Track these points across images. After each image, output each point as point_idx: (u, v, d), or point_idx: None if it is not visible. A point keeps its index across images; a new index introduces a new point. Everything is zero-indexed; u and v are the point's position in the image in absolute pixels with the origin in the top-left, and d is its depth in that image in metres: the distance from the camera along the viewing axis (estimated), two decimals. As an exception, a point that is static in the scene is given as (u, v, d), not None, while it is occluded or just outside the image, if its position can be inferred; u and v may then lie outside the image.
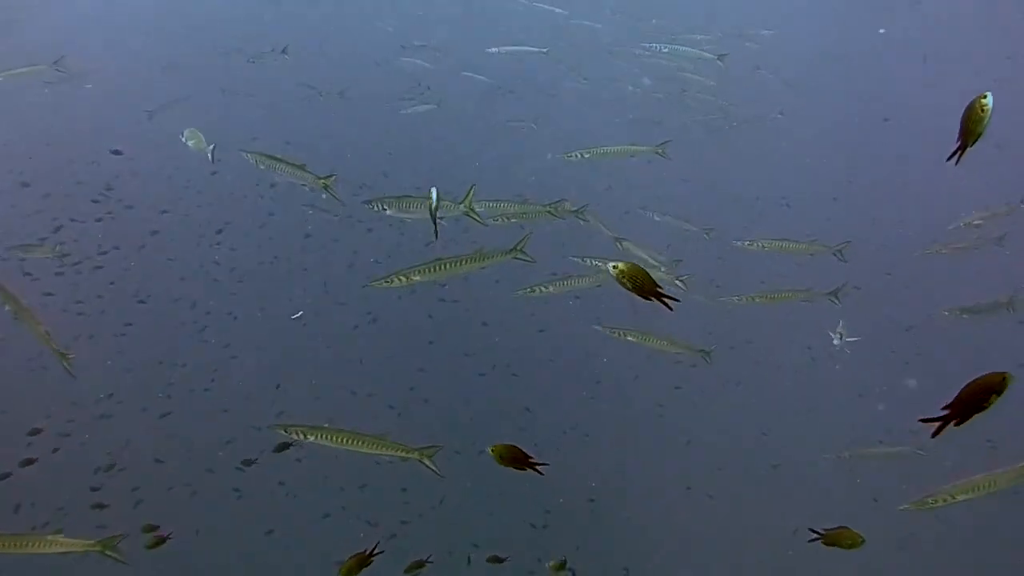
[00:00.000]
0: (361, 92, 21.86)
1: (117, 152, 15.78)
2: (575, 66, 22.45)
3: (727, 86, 20.54)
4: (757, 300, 10.28)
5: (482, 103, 22.63)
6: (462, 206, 7.92)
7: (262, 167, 8.56)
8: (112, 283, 15.58)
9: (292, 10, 28.38)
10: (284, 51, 18.91)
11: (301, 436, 6.92)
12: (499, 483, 14.31)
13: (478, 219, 8.11)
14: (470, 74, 22.88)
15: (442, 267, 7.27)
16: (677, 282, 11.01)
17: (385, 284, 7.19)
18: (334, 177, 8.57)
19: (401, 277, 7.18)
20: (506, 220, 9.39)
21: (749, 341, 17.75)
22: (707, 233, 14.71)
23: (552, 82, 23.39)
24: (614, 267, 4.77)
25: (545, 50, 19.61)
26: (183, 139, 10.89)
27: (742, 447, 16.72)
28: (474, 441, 13.78)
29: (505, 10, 27.04)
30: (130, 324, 15.20)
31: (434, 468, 6.99)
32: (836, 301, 10.49)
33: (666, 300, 4.85)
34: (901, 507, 6.05)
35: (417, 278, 7.19)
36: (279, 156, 8.59)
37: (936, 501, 5.80)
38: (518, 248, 7.63)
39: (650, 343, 10.00)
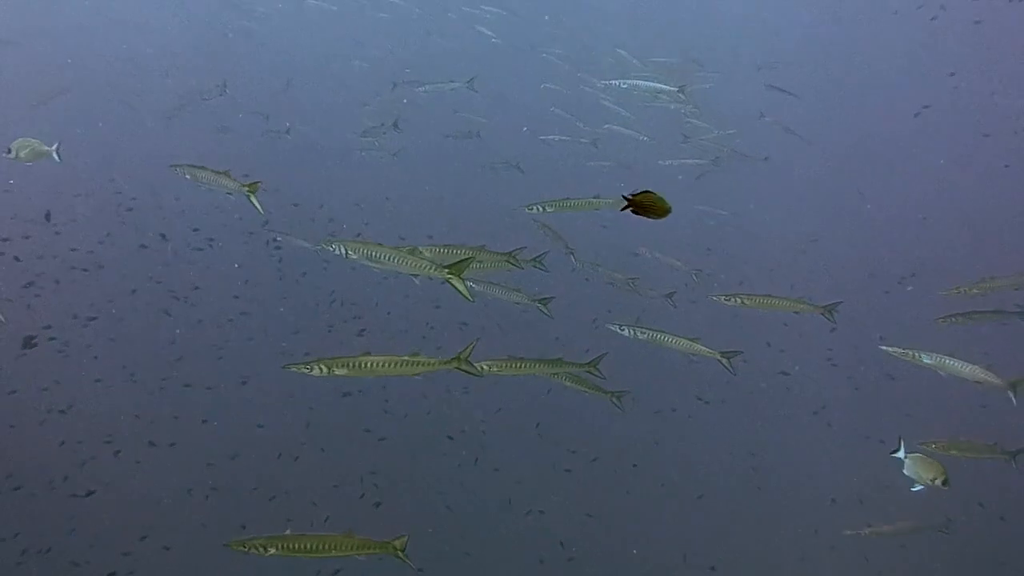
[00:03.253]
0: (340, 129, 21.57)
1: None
2: (570, 109, 21.98)
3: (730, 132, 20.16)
4: (746, 302, 9.74)
5: (467, 144, 22.27)
6: (446, 272, 7.03)
7: (187, 177, 8.56)
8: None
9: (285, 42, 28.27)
10: (224, 86, 18.47)
11: (261, 550, 6.37)
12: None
13: (464, 293, 7.14)
14: (464, 114, 22.67)
15: (370, 365, 6.51)
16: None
17: (304, 370, 6.41)
18: (259, 183, 8.37)
19: (322, 366, 6.40)
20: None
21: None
22: (695, 274, 14.77)
23: (546, 126, 22.93)
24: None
25: (468, 81, 19.40)
26: (10, 155, 9.56)
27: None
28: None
29: (500, 51, 26.99)
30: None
31: (407, 561, 6.46)
32: (830, 318, 9.98)
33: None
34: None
35: (340, 372, 6.45)
36: (202, 165, 8.55)
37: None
38: (462, 357, 6.73)
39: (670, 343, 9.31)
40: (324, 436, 15.12)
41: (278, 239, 15.90)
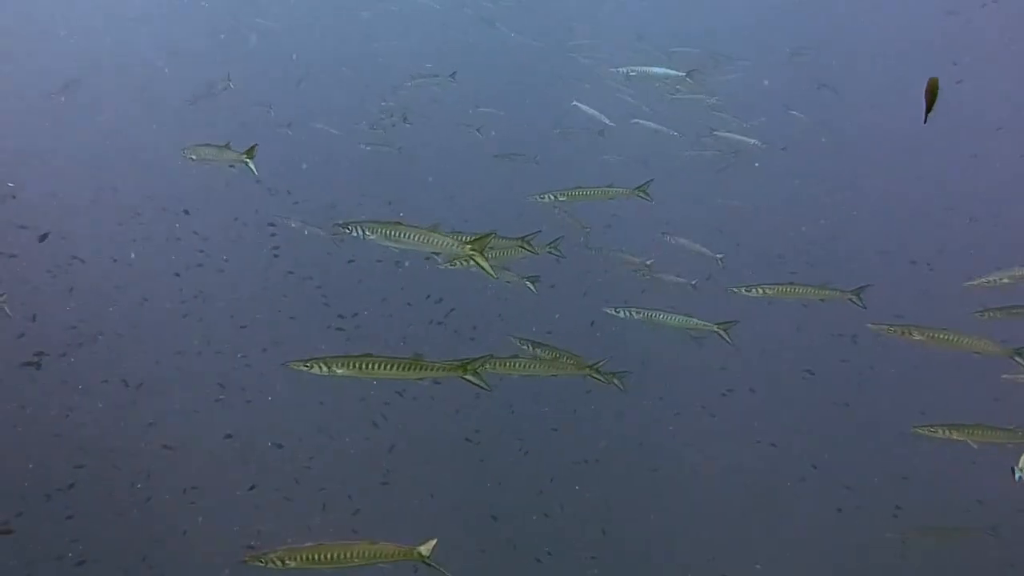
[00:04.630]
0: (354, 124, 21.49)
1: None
2: (592, 103, 21.63)
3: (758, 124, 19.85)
4: (768, 292, 9.52)
5: (482, 138, 22.04)
6: (468, 248, 6.85)
7: (193, 157, 9.59)
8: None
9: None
10: (228, 79, 18.47)
11: (279, 564, 6.03)
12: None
13: (487, 270, 7.01)
14: (488, 110, 22.54)
15: (371, 366, 6.32)
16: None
17: (304, 368, 6.30)
18: (256, 146, 9.36)
19: (321, 365, 6.29)
20: (465, 263, 8.66)
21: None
22: (720, 260, 14.80)
23: (567, 120, 22.64)
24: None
25: (452, 74, 19.41)
26: None
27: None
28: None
29: (519, 45, 26.88)
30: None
31: (437, 567, 6.12)
32: (859, 302, 9.70)
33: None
34: None
35: (339, 371, 6.30)
36: (205, 143, 9.61)
37: None
38: (470, 367, 6.42)
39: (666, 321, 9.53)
40: (341, 436, 14.99)
41: (293, 226, 15.80)
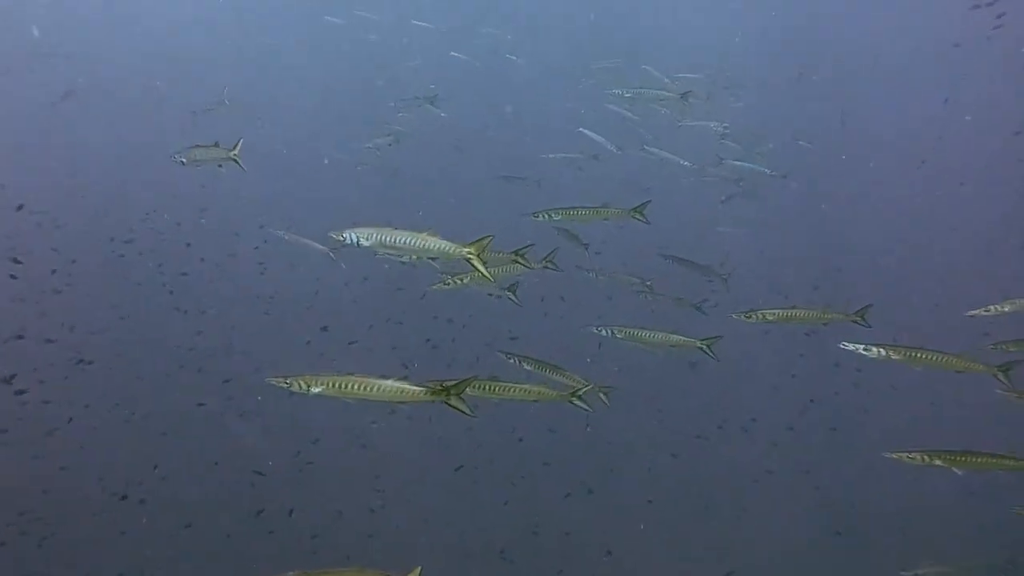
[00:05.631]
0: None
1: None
2: (598, 130, 21.50)
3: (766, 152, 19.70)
4: (769, 318, 9.29)
5: (484, 161, 22.10)
6: (467, 250, 6.74)
7: (183, 161, 9.79)
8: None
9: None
10: (224, 97, 18.59)
11: None
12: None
13: (484, 273, 6.92)
14: (494, 134, 22.58)
15: (351, 386, 6.14)
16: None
17: (284, 385, 6.17)
18: (241, 141, 9.71)
19: (301, 382, 6.15)
20: (459, 283, 8.43)
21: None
22: (725, 279, 15.14)
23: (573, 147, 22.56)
24: None
25: (432, 98, 19.70)
26: None
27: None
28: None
29: (525, 72, 27.02)
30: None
31: None
32: (863, 322, 9.44)
33: None
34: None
35: (316, 389, 6.15)
36: (195, 144, 9.81)
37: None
38: (451, 390, 6.17)
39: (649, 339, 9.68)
40: (327, 463, 14.72)
41: (286, 239, 15.65)
